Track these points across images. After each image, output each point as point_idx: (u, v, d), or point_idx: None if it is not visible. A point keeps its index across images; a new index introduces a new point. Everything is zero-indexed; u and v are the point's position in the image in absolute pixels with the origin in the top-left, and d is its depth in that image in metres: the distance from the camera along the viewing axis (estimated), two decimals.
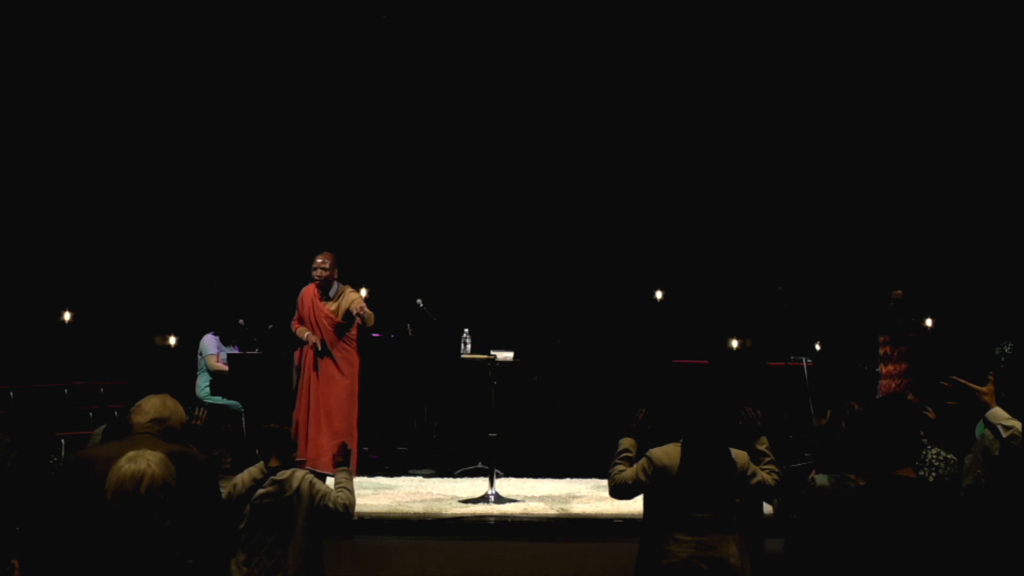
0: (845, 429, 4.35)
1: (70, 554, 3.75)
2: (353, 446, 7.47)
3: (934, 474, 4.68)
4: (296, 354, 8.05)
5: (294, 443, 7.10)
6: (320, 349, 7.80)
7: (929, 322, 9.35)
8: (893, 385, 8.77)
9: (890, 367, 8.87)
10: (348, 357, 7.90)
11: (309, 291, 7.98)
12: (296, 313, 8.03)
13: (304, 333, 7.89)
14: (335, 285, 7.96)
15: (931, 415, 4.99)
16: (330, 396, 7.80)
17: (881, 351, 8.95)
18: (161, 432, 4.14)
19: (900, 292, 8.97)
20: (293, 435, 6.65)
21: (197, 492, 3.91)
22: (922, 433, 4.69)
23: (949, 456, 4.76)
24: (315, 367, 7.84)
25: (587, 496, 7.65)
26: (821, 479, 4.26)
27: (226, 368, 8.75)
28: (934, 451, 4.75)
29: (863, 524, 3.17)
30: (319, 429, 7.73)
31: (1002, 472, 4.26)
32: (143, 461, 3.24)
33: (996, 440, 4.29)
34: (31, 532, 4.35)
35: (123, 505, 3.20)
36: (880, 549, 3.13)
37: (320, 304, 7.90)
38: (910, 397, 8.13)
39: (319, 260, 7.90)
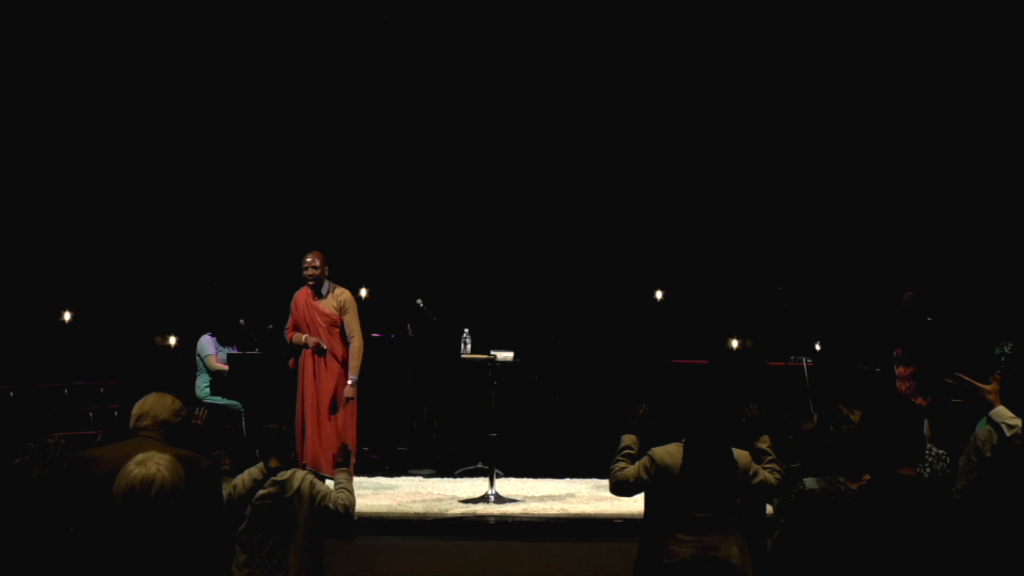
0: (834, 432, 4.31)
1: (72, 554, 3.75)
2: (351, 446, 7.46)
3: (928, 469, 4.68)
4: (291, 362, 8.06)
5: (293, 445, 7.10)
6: (318, 349, 7.80)
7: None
8: (905, 387, 8.78)
9: (901, 368, 8.90)
10: (344, 356, 7.89)
11: (302, 293, 7.99)
12: (289, 319, 8.02)
13: (300, 338, 7.90)
14: (326, 284, 7.97)
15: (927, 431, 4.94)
16: (326, 396, 7.80)
17: (894, 352, 8.97)
18: (155, 426, 4.14)
19: (911, 294, 8.99)
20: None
21: (201, 497, 3.90)
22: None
23: (940, 451, 4.77)
24: (311, 368, 7.84)
25: (587, 496, 7.64)
26: (810, 482, 4.21)
27: (227, 367, 8.74)
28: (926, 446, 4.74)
29: (865, 522, 3.17)
30: (316, 430, 7.73)
31: (1003, 471, 4.25)
32: (152, 465, 3.21)
33: (988, 442, 4.29)
34: (34, 531, 4.35)
35: (132, 509, 3.17)
36: (882, 548, 3.13)
37: (314, 303, 7.91)
38: (919, 400, 8.16)
39: (308, 259, 7.91)
